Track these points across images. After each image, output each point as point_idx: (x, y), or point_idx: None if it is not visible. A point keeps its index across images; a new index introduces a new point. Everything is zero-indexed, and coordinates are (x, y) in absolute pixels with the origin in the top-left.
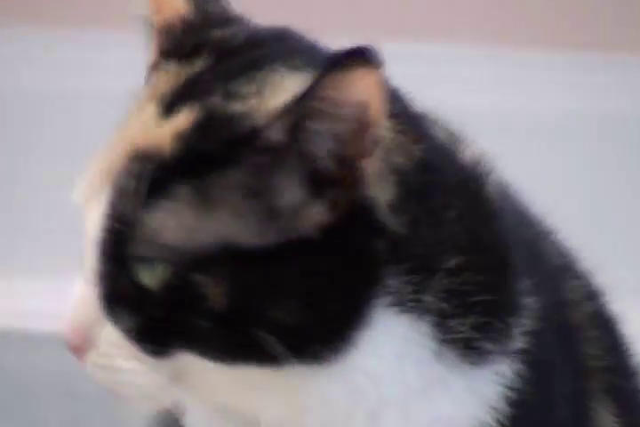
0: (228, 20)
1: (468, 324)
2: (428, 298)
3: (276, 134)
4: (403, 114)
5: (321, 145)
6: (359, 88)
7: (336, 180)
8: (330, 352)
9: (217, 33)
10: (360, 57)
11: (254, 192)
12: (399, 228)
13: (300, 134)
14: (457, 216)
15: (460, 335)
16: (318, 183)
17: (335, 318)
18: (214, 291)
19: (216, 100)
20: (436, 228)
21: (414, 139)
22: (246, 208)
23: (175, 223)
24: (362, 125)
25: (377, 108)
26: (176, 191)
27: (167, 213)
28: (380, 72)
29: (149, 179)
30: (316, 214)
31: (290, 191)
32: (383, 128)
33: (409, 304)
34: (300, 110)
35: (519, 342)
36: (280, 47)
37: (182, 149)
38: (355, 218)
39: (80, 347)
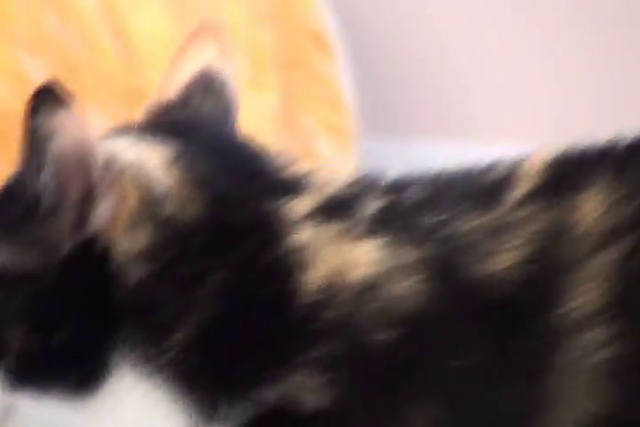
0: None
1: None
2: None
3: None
4: (196, 164)
5: (44, 183)
6: (57, 130)
7: (58, 217)
8: (73, 387)
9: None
10: (46, 96)
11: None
12: (141, 280)
13: (28, 172)
14: (215, 284)
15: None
16: (44, 219)
17: (70, 353)
18: None
19: None
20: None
21: (197, 196)
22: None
23: None
24: (72, 166)
25: (84, 150)
26: None
27: None
28: (72, 110)
29: None
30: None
31: (29, 227)
32: (105, 171)
33: (149, 365)
34: (24, 149)
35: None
36: None
37: None
38: (88, 259)
39: None
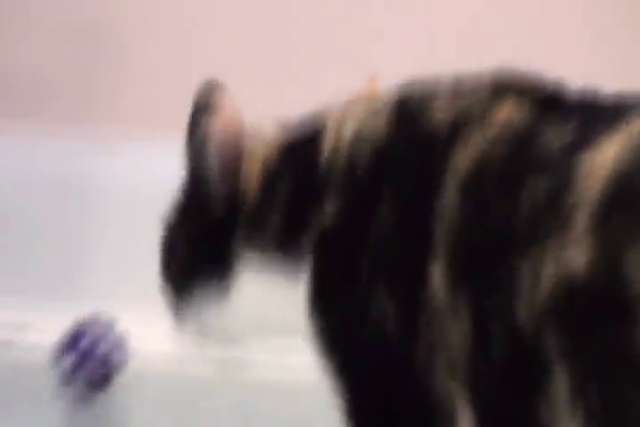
0: None
1: None
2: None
3: None
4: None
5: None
6: (225, 116)
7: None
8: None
9: None
10: (211, 92)
11: None
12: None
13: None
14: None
15: None
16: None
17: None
18: None
19: None
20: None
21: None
22: None
23: None
24: (238, 142)
25: (242, 126)
26: None
27: None
28: (232, 98)
29: None
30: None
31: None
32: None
33: (259, 248)
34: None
35: None
36: None
37: None
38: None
39: None
